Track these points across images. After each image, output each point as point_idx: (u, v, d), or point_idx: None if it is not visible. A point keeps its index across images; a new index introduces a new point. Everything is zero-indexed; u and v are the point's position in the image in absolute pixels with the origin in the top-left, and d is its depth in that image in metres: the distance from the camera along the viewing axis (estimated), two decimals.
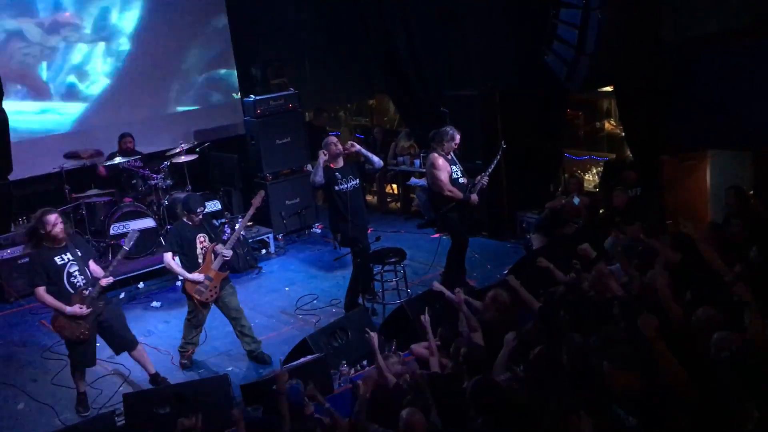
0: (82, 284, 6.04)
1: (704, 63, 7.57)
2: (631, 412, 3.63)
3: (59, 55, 10.04)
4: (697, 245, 5.23)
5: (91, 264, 6.24)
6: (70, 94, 10.13)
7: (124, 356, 6.55)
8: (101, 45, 10.26)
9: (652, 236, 6.31)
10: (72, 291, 5.99)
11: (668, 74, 7.79)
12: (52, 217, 5.91)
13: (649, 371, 3.76)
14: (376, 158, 7.50)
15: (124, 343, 6.37)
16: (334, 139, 7.58)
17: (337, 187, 7.34)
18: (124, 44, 10.40)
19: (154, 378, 6.48)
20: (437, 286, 6.20)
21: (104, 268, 6.25)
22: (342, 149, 7.41)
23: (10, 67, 9.61)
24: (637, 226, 6.72)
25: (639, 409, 3.62)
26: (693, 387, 3.72)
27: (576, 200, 8.57)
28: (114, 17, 10.32)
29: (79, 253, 6.09)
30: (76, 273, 6.03)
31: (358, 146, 7.50)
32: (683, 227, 5.36)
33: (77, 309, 5.94)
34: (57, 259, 5.96)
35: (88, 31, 10.15)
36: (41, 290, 5.94)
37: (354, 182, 7.42)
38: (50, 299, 5.94)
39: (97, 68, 10.27)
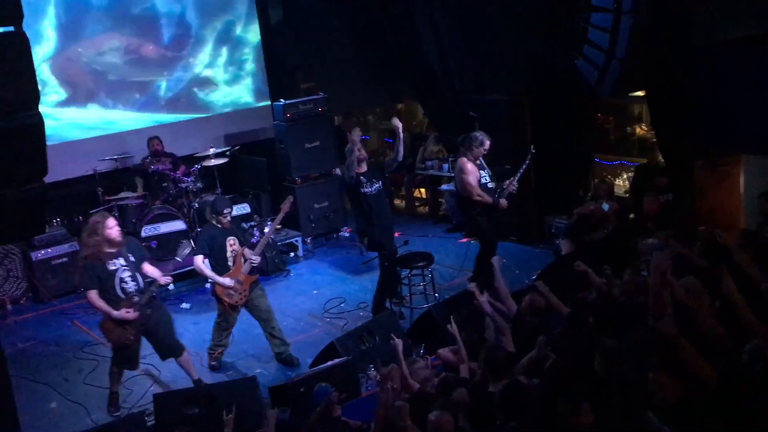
0: (133, 290, 6.11)
1: (737, 67, 7.45)
2: (666, 420, 3.58)
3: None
4: (732, 253, 5.16)
5: (146, 266, 6.33)
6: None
7: (156, 357, 6.63)
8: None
9: (684, 242, 6.23)
10: (123, 296, 6.07)
11: (700, 78, 7.69)
12: (110, 221, 6.03)
13: (686, 377, 3.72)
14: (402, 150, 7.52)
15: (170, 349, 6.44)
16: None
17: (362, 190, 7.37)
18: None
19: (197, 384, 6.51)
20: (472, 287, 6.16)
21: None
22: (365, 154, 7.49)
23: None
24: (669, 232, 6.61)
25: (674, 416, 3.57)
26: (723, 387, 3.68)
27: (605, 206, 8.49)
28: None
29: (132, 258, 6.17)
30: (128, 279, 6.11)
31: (400, 125, 7.45)
32: (718, 237, 5.28)
33: (124, 313, 6.01)
34: (109, 265, 6.05)
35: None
36: (93, 293, 6.03)
37: (378, 185, 7.44)
38: (100, 303, 6.02)
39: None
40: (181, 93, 10.73)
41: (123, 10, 10.16)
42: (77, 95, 9.97)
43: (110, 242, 6.02)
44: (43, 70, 9.60)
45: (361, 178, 7.35)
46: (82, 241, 6.35)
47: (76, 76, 9.94)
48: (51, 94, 9.73)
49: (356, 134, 7.36)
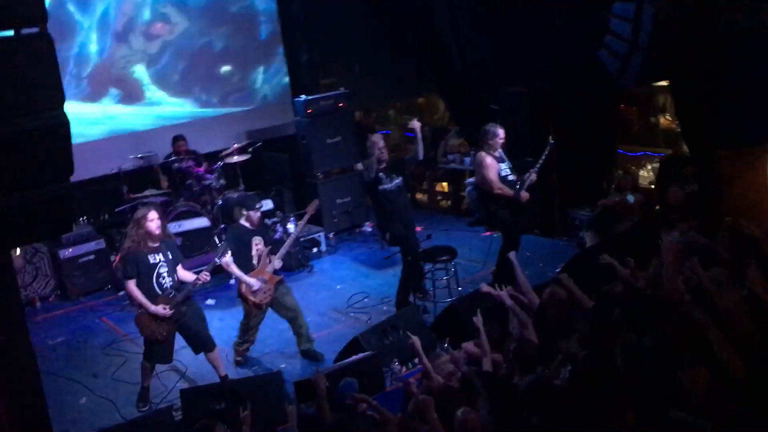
0: (169, 287, 6.21)
1: (762, 55, 7.34)
2: (700, 415, 3.54)
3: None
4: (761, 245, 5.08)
5: (180, 269, 6.40)
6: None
7: (182, 353, 6.69)
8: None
9: (709, 234, 6.15)
10: (159, 292, 6.17)
11: (725, 67, 7.59)
12: (151, 213, 6.15)
13: (715, 366, 3.68)
14: (421, 151, 7.63)
15: (203, 344, 6.49)
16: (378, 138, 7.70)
17: (381, 187, 7.39)
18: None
19: (224, 380, 6.57)
20: (485, 287, 6.17)
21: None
22: (386, 153, 7.53)
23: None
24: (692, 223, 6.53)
25: (707, 410, 3.53)
26: (752, 381, 3.64)
27: (630, 198, 8.43)
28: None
29: (170, 256, 6.27)
30: (165, 275, 6.21)
31: (419, 126, 7.65)
32: (746, 228, 5.22)
33: (161, 309, 6.11)
34: (150, 258, 6.15)
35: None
36: (131, 284, 6.14)
37: (397, 181, 7.47)
38: (138, 294, 6.12)
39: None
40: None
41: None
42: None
43: (149, 235, 6.10)
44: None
45: (380, 174, 7.38)
46: (129, 227, 6.45)
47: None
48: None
49: (377, 137, 7.47)
